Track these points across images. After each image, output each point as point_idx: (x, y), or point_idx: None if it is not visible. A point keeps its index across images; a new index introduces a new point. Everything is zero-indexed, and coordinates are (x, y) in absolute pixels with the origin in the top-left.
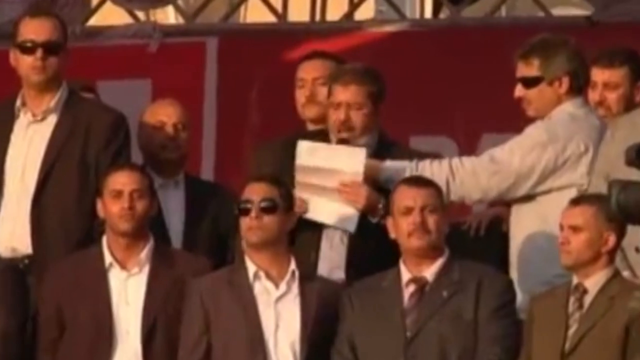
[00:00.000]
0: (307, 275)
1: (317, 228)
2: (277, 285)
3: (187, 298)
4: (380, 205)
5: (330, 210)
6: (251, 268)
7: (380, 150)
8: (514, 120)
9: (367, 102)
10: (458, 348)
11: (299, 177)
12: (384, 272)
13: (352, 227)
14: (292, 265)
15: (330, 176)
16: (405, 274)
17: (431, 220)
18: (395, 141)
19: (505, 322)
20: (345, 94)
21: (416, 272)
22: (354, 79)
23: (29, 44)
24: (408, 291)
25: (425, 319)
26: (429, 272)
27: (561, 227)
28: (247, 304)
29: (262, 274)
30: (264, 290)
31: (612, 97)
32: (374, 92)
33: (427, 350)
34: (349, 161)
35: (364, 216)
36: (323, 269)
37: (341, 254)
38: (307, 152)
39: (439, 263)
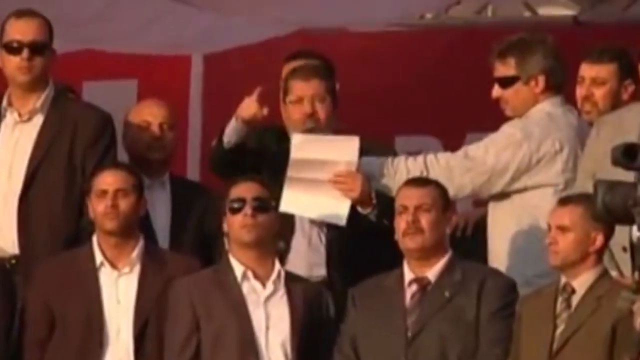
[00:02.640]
0: (291, 275)
1: (289, 222)
2: (264, 285)
3: (172, 298)
4: (374, 196)
5: (320, 205)
6: (238, 268)
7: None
8: (498, 119)
9: (327, 95)
10: (458, 348)
11: (292, 172)
12: (387, 272)
13: (342, 221)
14: (278, 265)
15: (323, 168)
16: (408, 274)
17: (425, 220)
18: (367, 139)
19: (507, 323)
20: (308, 87)
21: (419, 272)
22: (314, 72)
23: (14, 44)
24: (410, 291)
25: (427, 319)
26: (432, 272)
27: (549, 227)
28: (237, 305)
29: (250, 273)
30: (252, 290)
31: (599, 93)
32: (331, 87)
33: (428, 350)
34: (343, 151)
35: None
36: (301, 268)
37: (321, 252)
38: (302, 145)
39: (441, 263)
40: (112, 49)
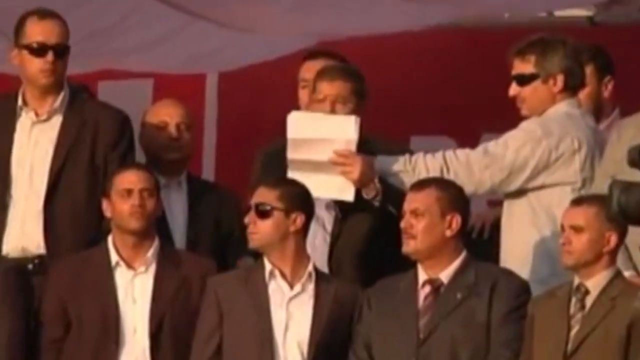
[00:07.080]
0: (325, 277)
1: None
2: (292, 286)
3: (204, 294)
4: (377, 181)
5: (325, 183)
6: (267, 267)
7: (360, 147)
8: (514, 119)
9: (352, 97)
10: (470, 350)
11: (291, 153)
12: (402, 273)
13: (350, 196)
14: (310, 267)
15: (322, 147)
16: (422, 276)
17: (417, 225)
18: (372, 137)
19: (519, 325)
20: (331, 88)
21: (432, 273)
22: (340, 74)
23: (38, 46)
24: (423, 292)
25: (438, 320)
26: (445, 273)
27: (562, 228)
28: (260, 303)
29: (277, 272)
30: (278, 290)
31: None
32: (358, 89)
33: (439, 352)
34: (341, 128)
35: (357, 202)
36: None
37: (323, 253)
38: (297, 124)
39: (455, 265)
40: (126, 67)
